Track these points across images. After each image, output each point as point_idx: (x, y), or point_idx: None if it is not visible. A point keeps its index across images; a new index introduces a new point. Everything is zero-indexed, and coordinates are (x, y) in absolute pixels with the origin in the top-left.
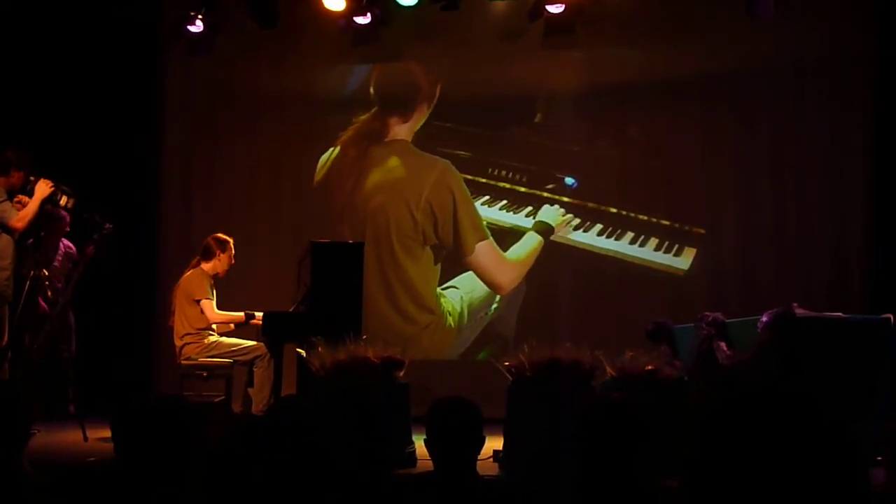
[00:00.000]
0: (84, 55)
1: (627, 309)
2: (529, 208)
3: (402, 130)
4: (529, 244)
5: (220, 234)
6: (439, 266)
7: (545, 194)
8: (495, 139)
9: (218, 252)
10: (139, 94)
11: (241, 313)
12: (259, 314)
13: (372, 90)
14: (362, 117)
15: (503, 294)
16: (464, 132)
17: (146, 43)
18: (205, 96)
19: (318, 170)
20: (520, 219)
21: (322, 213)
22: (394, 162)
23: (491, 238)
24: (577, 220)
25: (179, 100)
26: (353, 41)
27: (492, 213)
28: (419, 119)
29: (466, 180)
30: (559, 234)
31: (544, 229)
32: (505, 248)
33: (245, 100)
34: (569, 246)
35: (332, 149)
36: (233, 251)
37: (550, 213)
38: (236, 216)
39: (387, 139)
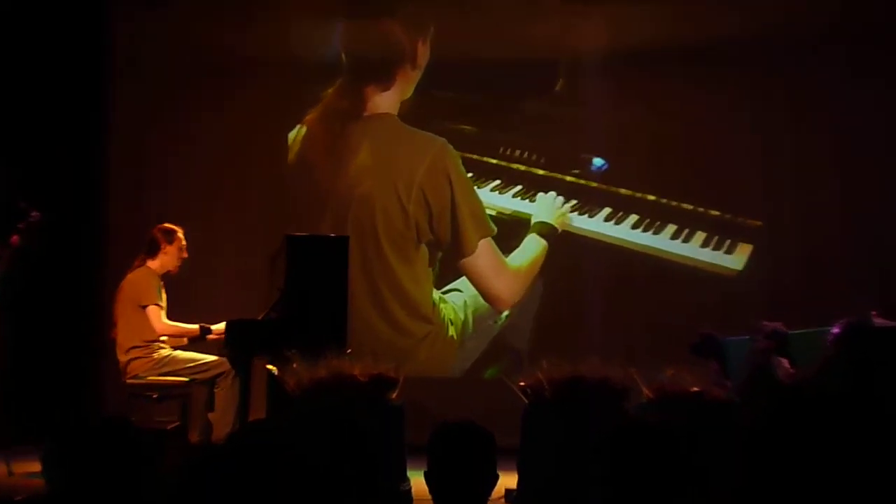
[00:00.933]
0: (9, 7)
1: (668, 317)
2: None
3: (384, 101)
4: (531, 251)
5: (166, 224)
6: (436, 266)
7: (568, 178)
8: (507, 111)
9: (164, 244)
10: (80, 57)
11: (195, 326)
12: (219, 327)
13: (343, 56)
14: (329, 91)
15: (502, 309)
16: (468, 103)
17: None
18: (160, 62)
19: (289, 151)
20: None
21: (299, 203)
22: (377, 142)
23: (493, 241)
24: (608, 211)
25: (129, 65)
26: None
27: (503, 200)
28: (405, 86)
29: (472, 161)
30: (576, 225)
31: (546, 231)
32: (517, 244)
33: (209, 65)
34: (596, 240)
35: (297, 127)
36: (183, 242)
37: (546, 207)
38: (197, 205)
39: (366, 113)
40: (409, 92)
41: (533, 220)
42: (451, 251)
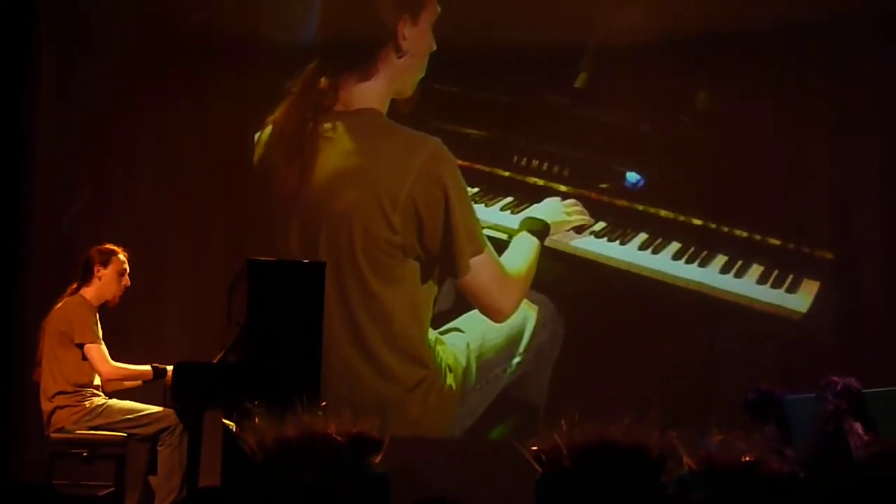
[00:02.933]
0: None
1: (716, 369)
2: None
3: (366, 94)
4: (527, 252)
5: (105, 245)
6: (433, 292)
7: (594, 195)
8: (524, 112)
9: (97, 267)
10: None
11: (147, 367)
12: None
13: (318, 36)
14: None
15: (501, 321)
16: (475, 101)
17: None
18: (95, 45)
19: (255, 155)
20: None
21: (259, 218)
22: (357, 142)
23: (489, 247)
24: (644, 236)
25: (57, 49)
26: None
27: (516, 221)
28: (394, 77)
29: (480, 173)
30: (602, 250)
31: (538, 228)
32: None
33: (157, 47)
34: (629, 273)
35: (262, 130)
36: (124, 266)
37: (548, 208)
38: (140, 222)
39: (340, 107)
40: (405, 87)
41: (523, 217)
42: (443, 269)
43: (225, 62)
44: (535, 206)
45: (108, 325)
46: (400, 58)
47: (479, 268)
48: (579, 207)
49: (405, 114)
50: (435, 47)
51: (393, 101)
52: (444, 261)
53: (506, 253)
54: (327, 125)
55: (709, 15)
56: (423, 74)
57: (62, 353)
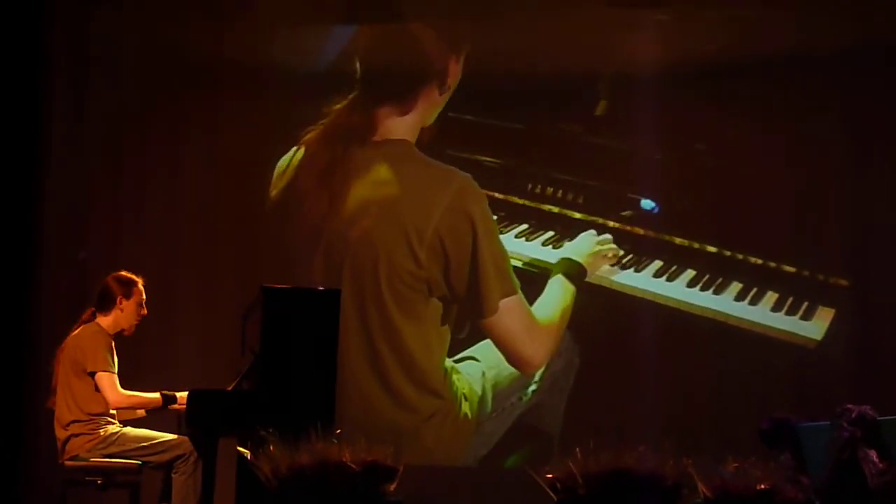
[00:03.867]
0: None
1: (731, 397)
2: None
3: (400, 126)
4: (559, 299)
5: (123, 273)
6: (449, 328)
7: (611, 223)
8: (538, 140)
9: (120, 298)
10: (11, 60)
11: (157, 394)
12: (184, 395)
13: (358, 65)
14: (337, 106)
15: (530, 373)
16: (491, 129)
17: None
18: (108, 71)
19: (274, 181)
20: None
21: (280, 246)
22: (387, 173)
23: (520, 292)
24: (658, 264)
25: (72, 79)
26: None
27: (531, 249)
28: (428, 111)
29: (495, 200)
30: (617, 277)
31: (574, 272)
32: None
33: (170, 74)
34: (643, 300)
35: (293, 150)
36: (143, 296)
37: (581, 244)
38: (153, 250)
39: (376, 138)
40: (432, 118)
41: (557, 259)
42: (467, 309)
43: (238, 89)
44: (570, 244)
45: (121, 353)
46: (441, 94)
47: (507, 311)
48: (613, 245)
49: (426, 142)
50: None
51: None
52: (471, 300)
53: (540, 298)
54: (359, 154)
55: (723, 45)
56: None
57: (76, 382)
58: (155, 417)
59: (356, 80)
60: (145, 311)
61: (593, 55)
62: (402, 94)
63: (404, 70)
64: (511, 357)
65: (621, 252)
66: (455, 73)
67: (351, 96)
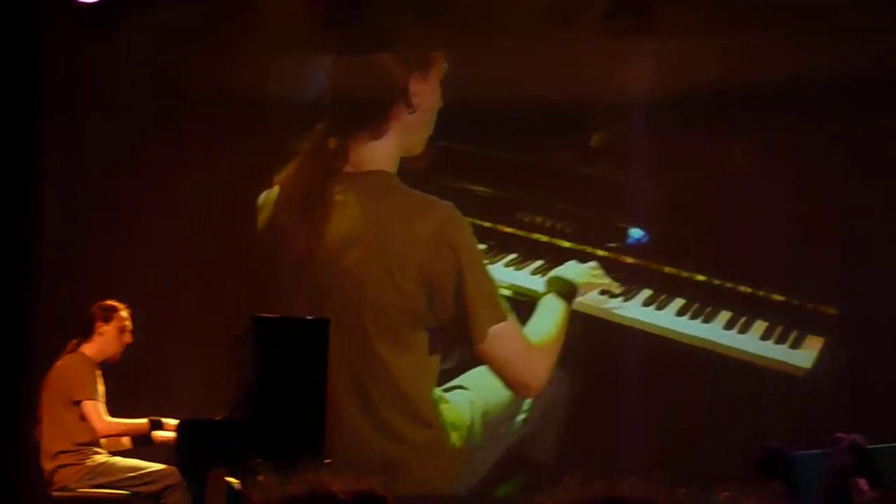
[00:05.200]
0: None
1: (722, 425)
2: None
3: (377, 155)
4: (554, 315)
5: (107, 302)
6: (437, 356)
7: (600, 252)
8: (529, 169)
9: (100, 325)
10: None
11: (144, 420)
12: (172, 422)
13: (327, 95)
14: (307, 143)
15: (531, 396)
16: (481, 158)
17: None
18: (102, 100)
19: (260, 216)
20: None
21: (269, 278)
22: (368, 205)
23: (512, 315)
24: (648, 293)
25: (65, 109)
26: (326, 19)
27: (520, 278)
28: (405, 135)
29: (484, 229)
30: (607, 306)
31: (566, 290)
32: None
33: (163, 103)
34: (634, 329)
35: (268, 190)
36: (126, 322)
37: (575, 269)
38: (144, 279)
39: (351, 168)
40: (416, 145)
41: (548, 276)
42: (456, 337)
43: (232, 120)
44: (558, 268)
45: (111, 381)
46: (411, 113)
47: (500, 338)
48: (601, 271)
49: (417, 170)
50: (441, 104)
51: (404, 160)
52: (459, 327)
53: (532, 318)
54: (337, 188)
55: (715, 74)
56: (431, 132)
57: (62, 412)
58: (144, 447)
59: (325, 110)
60: (129, 339)
61: (587, 84)
62: (371, 117)
63: (369, 95)
64: (509, 382)
65: (614, 283)
66: (423, 91)
67: (318, 127)
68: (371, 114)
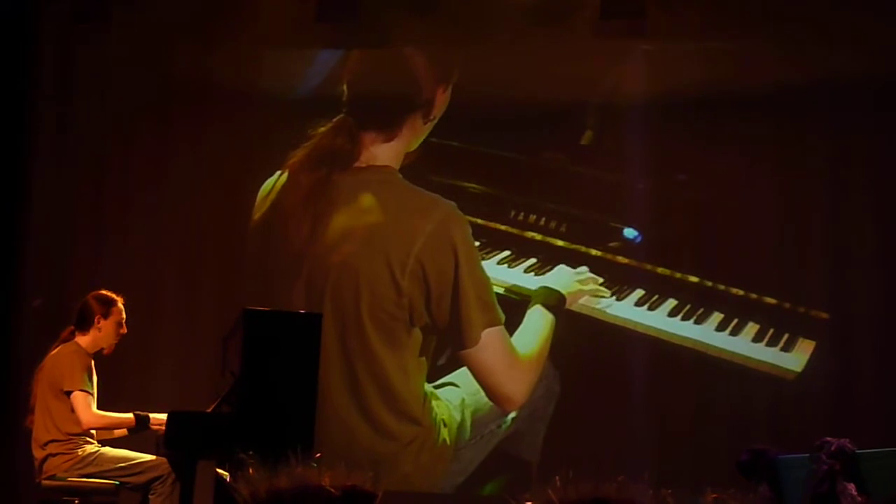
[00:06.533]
0: None
1: (710, 427)
2: None
3: (385, 153)
4: (539, 330)
5: (103, 292)
6: (429, 354)
7: (593, 252)
8: (522, 168)
9: (98, 318)
10: None
11: (130, 415)
12: (159, 416)
13: (345, 88)
14: (321, 129)
15: (512, 409)
16: (475, 155)
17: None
18: (94, 90)
19: (257, 204)
20: None
21: (262, 270)
22: (371, 199)
23: (502, 324)
24: (640, 293)
25: (56, 97)
26: (317, 15)
27: (513, 276)
28: (412, 137)
29: (477, 227)
30: (599, 306)
31: (553, 302)
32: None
33: (155, 94)
34: (625, 329)
35: (277, 174)
36: (122, 315)
37: (563, 277)
38: (135, 269)
39: (359, 164)
40: (415, 145)
41: (535, 289)
42: (449, 338)
43: (223, 111)
44: (548, 275)
45: (100, 372)
46: (426, 123)
47: (488, 344)
48: (591, 275)
49: (406, 164)
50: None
51: None
52: (452, 329)
53: (518, 330)
54: (343, 178)
55: (709, 75)
56: None
57: (54, 402)
58: (133, 438)
59: (342, 103)
60: (125, 331)
61: (579, 84)
62: (388, 120)
63: (392, 96)
64: (491, 392)
65: (603, 288)
66: (442, 102)
67: (336, 119)
68: (388, 117)
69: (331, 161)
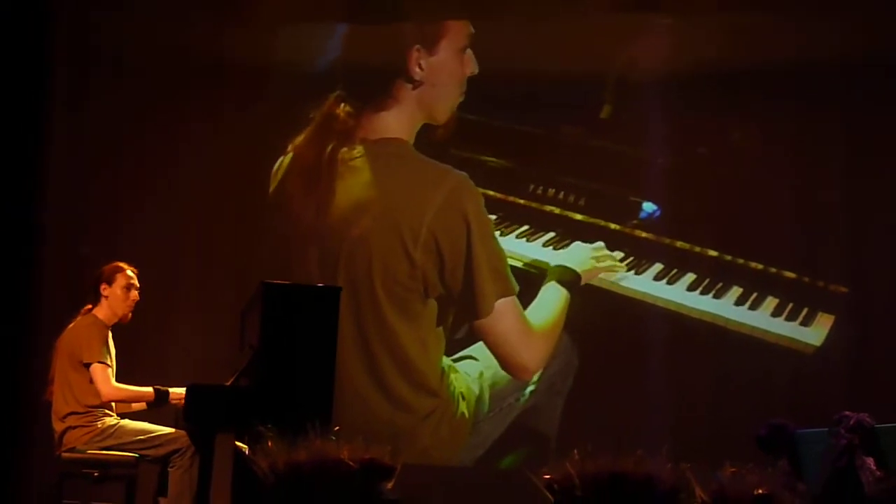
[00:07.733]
0: None
1: (728, 402)
2: None
3: (391, 124)
4: (554, 305)
5: (115, 263)
6: (447, 326)
7: (612, 226)
8: (541, 142)
9: (104, 286)
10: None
11: (149, 388)
12: (178, 390)
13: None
14: (323, 109)
15: (526, 379)
16: (495, 130)
17: None
18: (108, 66)
19: (271, 181)
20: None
21: (279, 245)
22: (381, 172)
23: (516, 297)
24: (659, 267)
25: (72, 67)
26: None
27: (531, 249)
28: (416, 106)
29: (495, 201)
30: (614, 279)
31: (568, 279)
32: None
33: (170, 73)
34: (643, 303)
35: (283, 156)
36: (131, 280)
37: (578, 254)
38: (153, 245)
39: (370, 135)
40: (437, 114)
41: (552, 265)
42: (464, 309)
43: (239, 87)
44: (563, 251)
45: (119, 346)
46: (414, 89)
47: (502, 314)
48: (606, 252)
49: (440, 140)
50: (475, 70)
51: (428, 128)
52: (466, 300)
53: (533, 304)
54: (352, 152)
55: (727, 50)
56: (460, 99)
57: (73, 375)
58: (152, 411)
59: (337, 77)
60: (137, 296)
61: (598, 59)
62: (375, 91)
63: (379, 66)
64: (505, 362)
65: (619, 263)
66: (431, 65)
67: (333, 95)
68: (375, 87)
69: (333, 136)
